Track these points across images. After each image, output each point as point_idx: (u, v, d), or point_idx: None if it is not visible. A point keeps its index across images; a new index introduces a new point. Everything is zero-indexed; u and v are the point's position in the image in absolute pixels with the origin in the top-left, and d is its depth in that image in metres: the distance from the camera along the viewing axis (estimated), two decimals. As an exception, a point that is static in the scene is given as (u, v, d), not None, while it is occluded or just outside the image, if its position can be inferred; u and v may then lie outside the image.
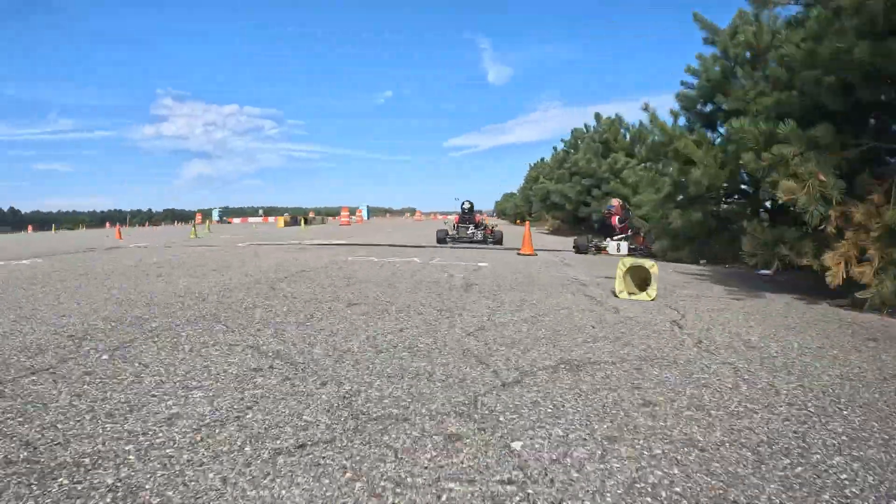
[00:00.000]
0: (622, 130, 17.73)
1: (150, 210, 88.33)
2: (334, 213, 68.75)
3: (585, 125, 19.32)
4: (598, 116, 18.62)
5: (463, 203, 12.55)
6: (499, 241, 11.41)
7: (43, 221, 59.27)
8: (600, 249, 9.28)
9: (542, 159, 34.89)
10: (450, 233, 11.63)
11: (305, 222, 30.06)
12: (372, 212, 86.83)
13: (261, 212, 60.67)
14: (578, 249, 9.21)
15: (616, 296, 4.26)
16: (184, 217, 54.69)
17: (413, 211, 78.67)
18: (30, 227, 38.23)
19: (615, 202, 9.94)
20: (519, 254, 8.41)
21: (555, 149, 20.74)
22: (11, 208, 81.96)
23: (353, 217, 41.17)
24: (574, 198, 16.55)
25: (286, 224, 28.48)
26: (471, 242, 11.31)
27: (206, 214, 45.91)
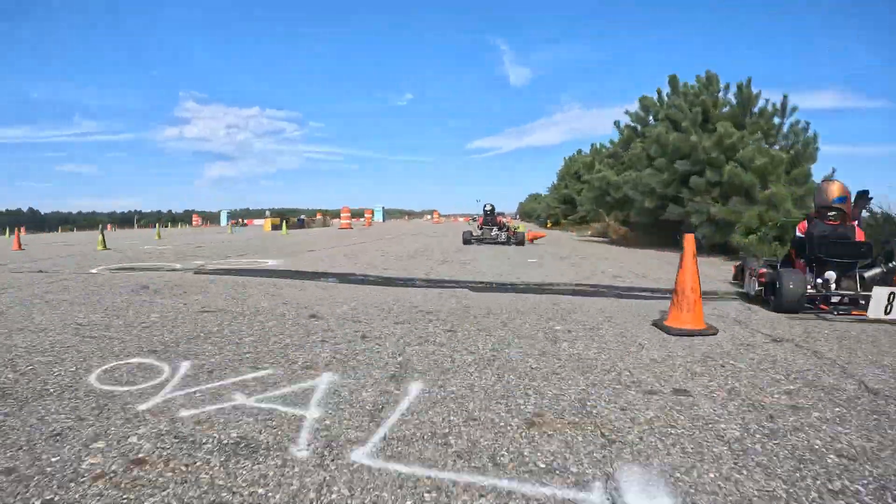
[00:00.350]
0: (721, 93, 12.10)
1: (169, 211, 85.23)
2: (357, 214, 62.27)
3: (659, 91, 13.69)
4: (674, 80, 12.98)
5: (485, 206, 12.43)
6: (521, 241, 11.24)
7: (63, 221, 57.03)
8: (851, 304, 3.83)
9: (580, 151, 28.93)
10: (474, 234, 11.68)
11: (297, 225, 25.43)
12: (391, 214, 79.60)
13: (267, 213, 56.46)
14: (787, 301, 3.73)
15: None
16: (205, 218, 51.16)
17: (431, 213, 73.72)
18: (23, 229, 34.92)
19: (837, 187, 4.39)
20: (662, 327, 2.97)
21: (616, 124, 15.14)
22: (31, 208, 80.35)
23: (360, 220, 36.33)
24: (660, 191, 10.91)
25: (273, 227, 23.67)
26: (494, 243, 11.19)
27: (211, 217, 41.67)
